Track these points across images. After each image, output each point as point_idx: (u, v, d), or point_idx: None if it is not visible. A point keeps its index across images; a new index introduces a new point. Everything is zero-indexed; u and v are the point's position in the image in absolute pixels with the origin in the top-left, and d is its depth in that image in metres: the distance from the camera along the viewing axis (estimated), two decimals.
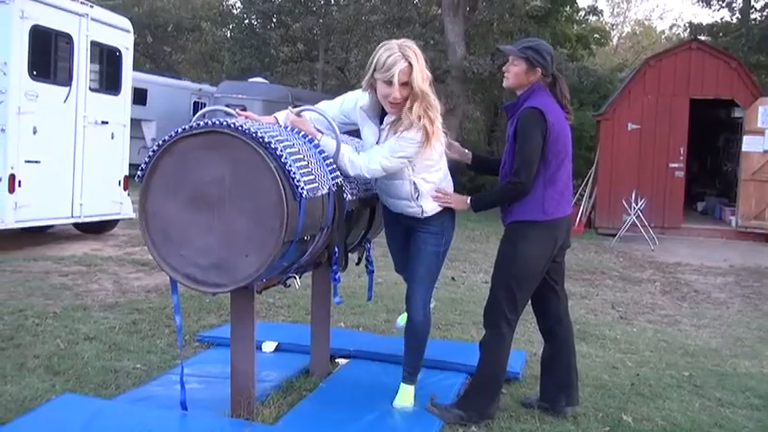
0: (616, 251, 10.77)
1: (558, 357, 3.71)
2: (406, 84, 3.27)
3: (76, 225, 8.74)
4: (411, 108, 3.30)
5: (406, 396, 3.59)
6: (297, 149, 3.02)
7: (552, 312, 3.70)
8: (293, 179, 2.85)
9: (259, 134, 2.86)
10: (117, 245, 8.49)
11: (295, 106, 3.61)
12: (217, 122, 2.90)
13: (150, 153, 2.96)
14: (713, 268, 9.50)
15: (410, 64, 3.26)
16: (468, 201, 3.54)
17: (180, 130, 2.93)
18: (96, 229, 8.95)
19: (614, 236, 11.93)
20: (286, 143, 2.96)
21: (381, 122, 3.46)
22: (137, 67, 15.63)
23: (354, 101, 3.55)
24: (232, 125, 2.88)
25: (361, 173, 3.37)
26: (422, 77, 3.30)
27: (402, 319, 3.97)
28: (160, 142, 2.95)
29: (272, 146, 2.85)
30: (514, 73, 3.50)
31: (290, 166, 2.86)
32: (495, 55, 16.87)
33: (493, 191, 3.65)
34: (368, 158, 3.38)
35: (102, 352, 4.27)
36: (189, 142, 2.92)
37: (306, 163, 3.01)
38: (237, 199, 2.87)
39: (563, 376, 3.69)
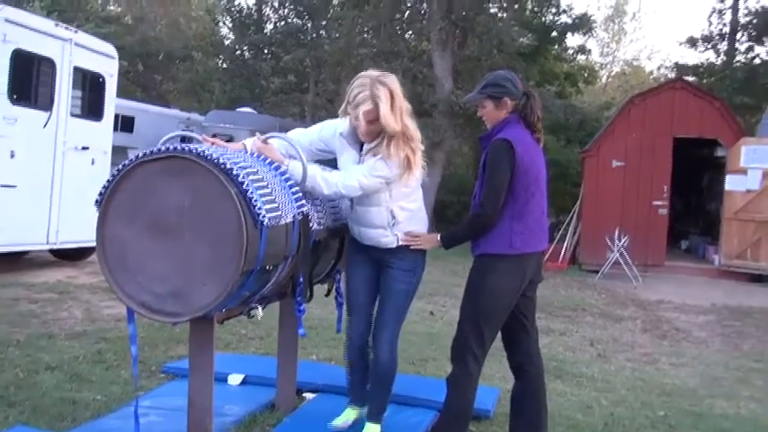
0: (599, 288, 10.73)
1: (528, 395, 3.61)
2: (374, 121, 3.23)
3: (53, 251, 8.62)
4: (389, 146, 3.25)
5: None
6: (260, 176, 2.96)
7: (522, 348, 3.61)
8: (254, 206, 2.78)
9: (221, 160, 2.80)
10: (93, 272, 8.35)
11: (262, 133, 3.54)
12: (178, 148, 2.85)
13: (109, 178, 2.90)
14: (695, 307, 9.45)
15: (376, 104, 3.20)
16: (438, 238, 3.48)
17: (140, 154, 2.87)
18: (73, 255, 8.81)
19: (598, 272, 11.89)
20: (249, 170, 2.91)
21: (362, 149, 3.41)
22: (127, 95, 15.66)
23: (333, 128, 3.50)
24: (193, 150, 2.82)
25: (337, 190, 3.29)
26: (394, 119, 3.23)
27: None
28: (120, 167, 2.89)
29: (234, 172, 2.79)
30: (486, 114, 3.48)
31: (252, 193, 2.79)
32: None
33: (461, 225, 3.57)
34: (345, 175, 3.31)
35: (62, 382, 4.15)
36: (149, 167, 2.85)
37: (269, 191, 2.95)
38: (196, 226, 2.80)
39: (533, 415, 3.59)
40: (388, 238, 3.42)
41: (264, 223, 2.82)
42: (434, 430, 3.51)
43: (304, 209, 3.20)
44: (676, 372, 5.79)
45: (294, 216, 3.11)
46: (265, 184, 2.96)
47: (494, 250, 3.34)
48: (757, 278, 12.24)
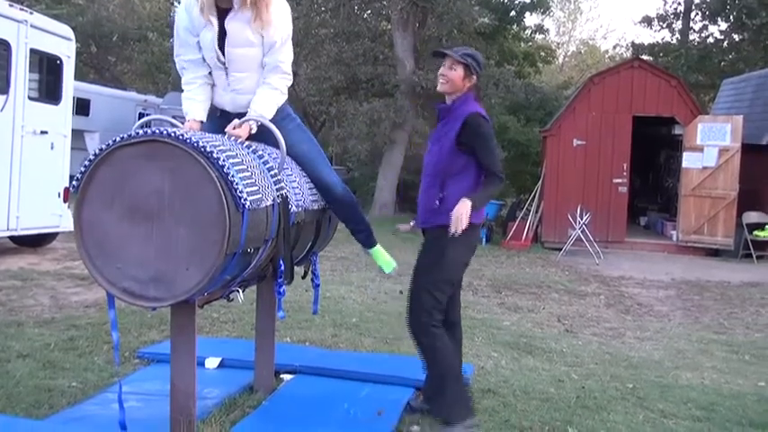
0: (562, 265, 10.91)
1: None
2: None
3: (12, 238, 8.43)
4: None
5: (383, 256, 3.84)
6: (240, 160, 2.95)
7: (449, 317, 3.70)
8: (236, 189, 2.77)
9: (201, 143, 2.78)
10: (55, 258, 8.21)
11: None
12: (157, 131, 2.81)
13: (86, 162, 2.85)
14: (655, 282, 9.69)
15: None
16: (471, 204, 3.39)
17: (118, 138, 2.83)
18: (34, 242, 8.65)
19: (560, 250, 12.09)
20: (229, 153, 2.89)
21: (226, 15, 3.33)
22: (81, 77, 15.34)
23: (185, 15, 3.39)
24: (172, 134, 2.79)
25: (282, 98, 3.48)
26: None
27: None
28: (97, 151, 2.85)
29: (214, 155, 2.77)
30: (452, 77, 3.55)
31: (233, 176, 2.78)
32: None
33: (484, 189, 3.48)
34: (275, 89, 3.44)
35: (35, 370, 4.09)
36: (127, 151, 2.82)
37: (249, 173, 2.94)
38: (178, 210, 2.78)
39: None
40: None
41: (246, 206, 2.81)
42: (437, 401, 3.53)
43: (283, 191, 3.21)
44: (641, 345, 5.96)
45: (274, 199, 3.11)
46: (245, 167, 2.95)
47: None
48: (714, 253, 12.59)
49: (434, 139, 3.65)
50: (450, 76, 3.54)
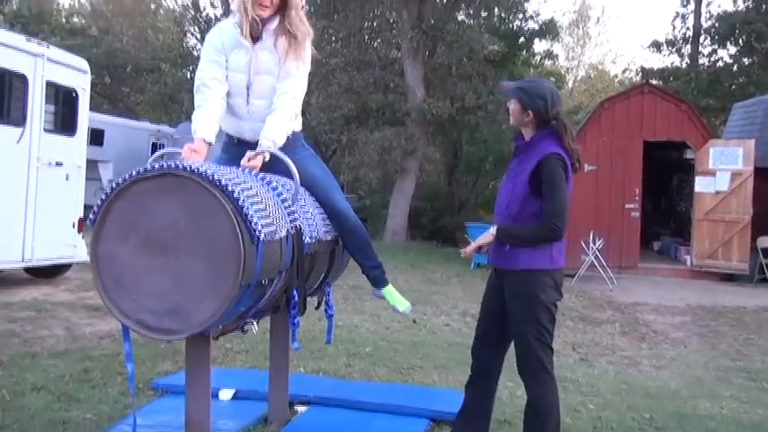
0: (576, 291, 10.84)
1: (484, 405, 3.65)
2: None
3: (27, 269, 8.48)
4: (290, 15, 3.41)
5: (395, 297, 3.73)
6: (254, 192, 2.97)
7: (499, 360, 3.63)
8: (250, 222, 2.79)
9: (216, 177, 2.80)
10: (69, 289, 8.25)
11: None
12: (172, 165, 2.84)
13: (103, 196, 2.88)
14: (670, 308, 9.61)
15: None
16: (494, 231, 3.39)
17: (134, 172, 2.86)
18: (48, 272, 8.70)
19: (573, 276, 12.02)
20: (243, 185, 2.91)
21: (255, 43, 3.46)
22: (94, 107, 15.53)
23: (218, 37, 3.49)
24: (187, 167, 2.82)
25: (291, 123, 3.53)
26: None
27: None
28: (113, 185, 2.88)
29: (229, 188, 2.79)
30: (512, 111, 3.44)
31: (247, 209, 2.80)
32: (454, 98, 17.11)
33: (525, 226, 3.33)
34: (284, 114, 3.47)
35: (50, 402, 4.09)
36: (143, 185, 2.84)
37: (263, 206, 2.96)
38: (193, 243, 2.79)
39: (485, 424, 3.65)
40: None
41: (261, 238, 2.83)
42: None
43: (297, 222, 3.22)
44: (658, 374, 5.89)
45: (288, 230, 3.12)
46: (259, 199, 2.97)
47: (536, 266, 3.31)
48: (728, 277, 12.49)
49: (509, 176, 3.47)
50: (511, 110, 3.43)
